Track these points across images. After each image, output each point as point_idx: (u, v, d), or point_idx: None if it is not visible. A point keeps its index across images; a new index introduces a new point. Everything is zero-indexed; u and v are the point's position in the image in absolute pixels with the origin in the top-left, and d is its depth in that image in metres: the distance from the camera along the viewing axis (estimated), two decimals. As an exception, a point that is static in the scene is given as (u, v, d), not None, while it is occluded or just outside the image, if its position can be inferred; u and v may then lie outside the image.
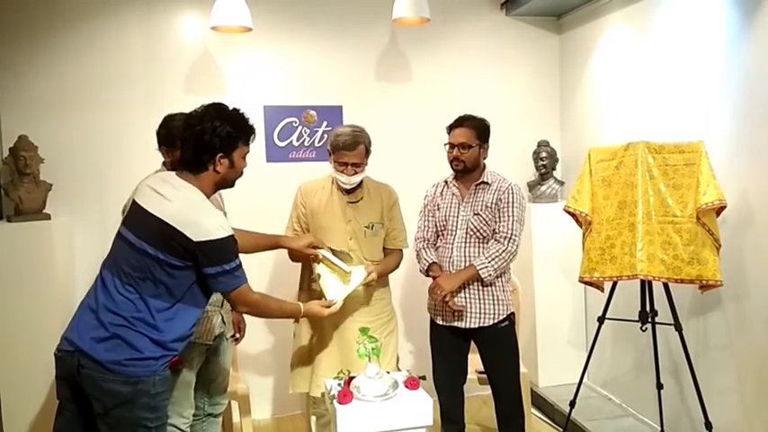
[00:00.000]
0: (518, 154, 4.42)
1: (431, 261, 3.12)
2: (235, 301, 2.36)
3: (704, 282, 2.95)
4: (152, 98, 3.81)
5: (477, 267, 2.97)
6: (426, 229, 3.21)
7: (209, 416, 3.01)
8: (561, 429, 3.68)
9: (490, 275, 2.98)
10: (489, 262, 2.97)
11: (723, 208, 2.92)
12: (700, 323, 3.27)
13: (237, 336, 3.16)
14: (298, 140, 4.12)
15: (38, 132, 3.55)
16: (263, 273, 3.99)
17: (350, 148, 2.94)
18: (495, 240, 3.02)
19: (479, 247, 3.05)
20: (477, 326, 3.05)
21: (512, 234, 3.00)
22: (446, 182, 3.20)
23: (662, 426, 3.51)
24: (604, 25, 4.01)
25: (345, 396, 2.50)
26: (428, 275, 3.14)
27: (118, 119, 3.81)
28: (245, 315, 3.12)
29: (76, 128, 3.77)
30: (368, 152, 3.02)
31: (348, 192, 3.06)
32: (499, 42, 4.43)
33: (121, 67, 3.83)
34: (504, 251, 2.99)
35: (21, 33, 3.67)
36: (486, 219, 3.04)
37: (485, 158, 3.14)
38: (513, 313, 3.14)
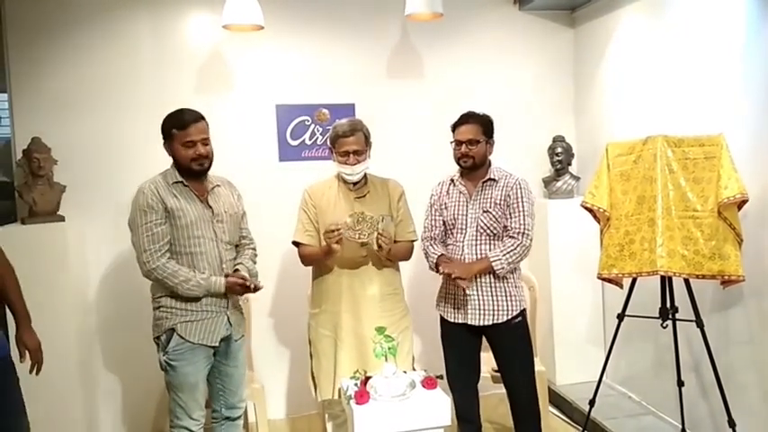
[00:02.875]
0: (533, 149, 4.38)
1: (439, 253, 3.10)
2: None
3: (726, 277, 2.89)
4: (163, 98, 3.78)
5: (491, 260, 2.95)
6: (433, 227, 3.19)
7: (227, 419, 3.00)
8: (580, 428, 3.64)
9: (503, 269, 2.96)
10: (504, 255, 2.96)
11: (745, 202, 2.86)
12: (721, 319, 3.21)
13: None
14: (310, 139, 4.09)
15: (51, 134, 3.56)
16: (276, 268, 3.99)
17: (349, 135, 2.97)
18: (509, 236, 3.01)
19: (491, 244, 3.03)
20: (490, 323, 3.03)
21: (525, 229, 2.99)
22: (452, 180, 3.18)
23: (683, 424, 3.45)
24: (619, 18, 3.95)
25: (362, 396, 2.48)
26: (437, 270, 3.10)
27: (130, 119, 3.80)
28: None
29: (89, 129, 3.77)
30: (368, 141, 3.04)
31: (354, 186, 3.07)
32: (512, 37, 4.38)
33: (133, 68, 3.82)
34: (518, 245, 2.97)
35: (32, 35, 3.66)
36: (497, 216, 3.02)
37: (490, 154, 3.13)
38: (524, 309, 3.12)
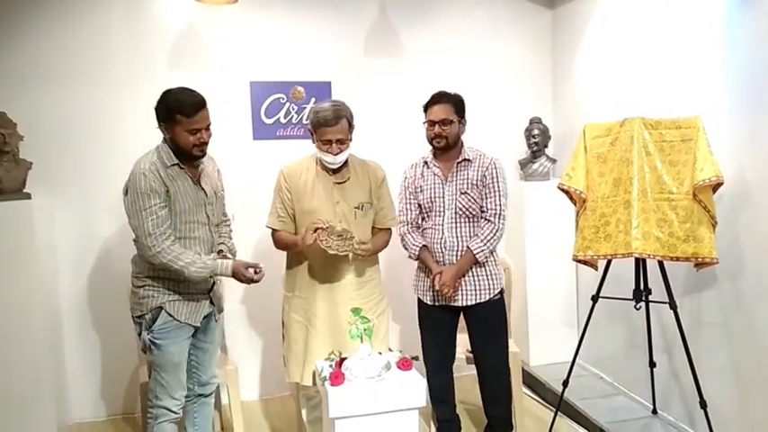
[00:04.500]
0: (510, 131, 4.37)
1: (420, 245, 3.09)
2: None
3: (700, 259, 2.91)
4: (134, 74, 3.71)
5: (475, 252, 2.99)
6: (409, 212, 3.16)
7: (199, 396, 2.97)
8: (553, 408, 3.66)
9: (486, 257, 3.01)
10: (485, 244, 2.99)
11: (720, 185, 2.87)
12: (694, 301, 3.24)
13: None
14: (285, 117, 4.03)
15: (17, 109, 3.43)
16: (250, 249, 3.94)
17: (332, 124, 2.82)
18: (486, 219, 3.02)
19: (470, 225, 3.04)
20: (474, 302, 3.05)
21: (500, 210, 3.03)
22: (425, 162, 3.15)
23: (654, 404, 3.50)
24: (598, -1, 3.93)
25: (337, 377, 2.45)
26: (418, 260, 3.12)
27: (99, 95, 3.70)
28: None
29: (57, 104, 3.66)
30: (351, 126, 2.90)
31: (334, 172, 2.96)
32: (491, 17, 4.34)
33: (102, 42, 3.71)
34: (496, 230, 3.01)
35: (-3, 6, 3.54)
36: (474, 197, 3.03)
37: (463, 133, 3.12)
38: (503, 288, 3.16)
